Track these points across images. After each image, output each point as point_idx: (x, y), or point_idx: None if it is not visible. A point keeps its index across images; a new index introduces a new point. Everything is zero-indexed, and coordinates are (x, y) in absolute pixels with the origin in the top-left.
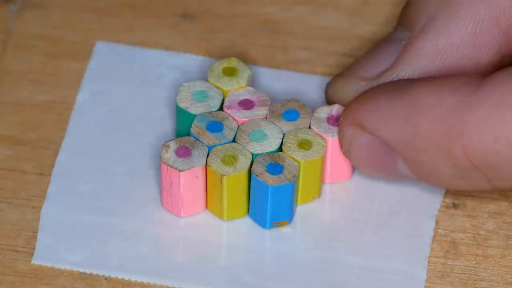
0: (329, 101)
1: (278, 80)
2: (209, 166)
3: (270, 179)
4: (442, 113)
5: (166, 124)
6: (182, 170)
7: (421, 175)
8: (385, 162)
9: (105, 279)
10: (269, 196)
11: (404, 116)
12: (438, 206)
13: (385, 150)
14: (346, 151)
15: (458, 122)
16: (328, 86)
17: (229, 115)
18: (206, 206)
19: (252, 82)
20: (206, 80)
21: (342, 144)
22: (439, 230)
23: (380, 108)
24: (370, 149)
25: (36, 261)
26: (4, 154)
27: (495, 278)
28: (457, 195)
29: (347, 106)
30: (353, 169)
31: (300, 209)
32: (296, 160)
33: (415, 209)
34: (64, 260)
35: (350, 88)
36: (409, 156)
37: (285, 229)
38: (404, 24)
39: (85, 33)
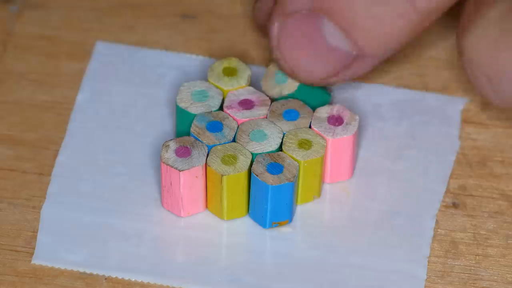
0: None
1: None
2: (209, 166)
3: (270, 179)
4: None
5: (166, 124)
6: (182, 170)
7: (347, 27)
8: (313, 38)
9: (105, 279)
10: (269, 196)
11: None
12: (438, 206)
13: (310, 24)
14: (277, 50)
15: None
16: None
17: (229, 115)
18: (206, 206)
19: (252, 82)
20: (206, 80)
21: (273, 47)
22: (439, 230)
23: None
24: (296, 31)
25: (36, 261)
26: (4, 154)
27: (495, 277)
28: (457, 195)
29: (272, 11)
30: (353, 169)
31: (300, 209)
32: (296, 160)
33: (415, 209)
34: (64, 260)
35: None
36: (331, 6)
37: (285, 229)
38: None
39: (85, 33)
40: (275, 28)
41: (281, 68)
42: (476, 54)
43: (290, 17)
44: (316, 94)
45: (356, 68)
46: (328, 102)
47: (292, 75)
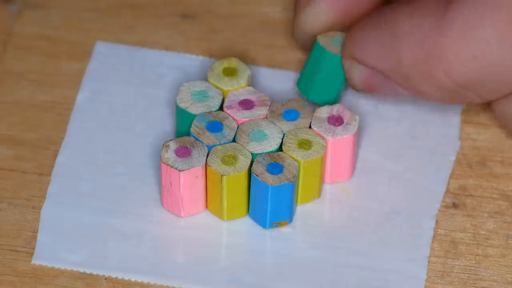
0: (298, 31)
1: (278, 80)
2: (209, 166)
3: (270, 179)
4: (418, 40)
5: (166, 124)
6: (182, 170)
7: (418, 95)
8: (385, 86)
9: (105, 279)
10: (269, 196)
11: (387, 45)
12: (438, 206)
13: (382, 76)
14: (351, 83)
15: (434, 46)
16: (298, 15)
17: (229, 115)
18: (206, 206)
19: (252, 82)
20: (206, 80)
21: (348, 78)
22: (439, 230)
23: (368, 40)
24: (368, 77)
25: (36, 261)
26: (4, 154)
27: (495, 277)
28: (457, 195)
29: (345, 40)
30: (353, 169)
31: (300, 209)
32: (296, 160)
33: (415, 209)
34: (64, 260)
35: (320, 19)
36: (400, 82)
37: (285, 229)
38: None
39: (85, 33)
40: (347, 64)
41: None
42: (506, 106)
43: (361, 64)
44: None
45: None
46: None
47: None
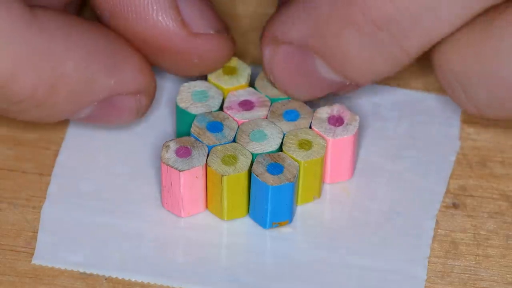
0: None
1: None
2: (209, 166)
3: (270, 179)
4: None
5: (166, 124)
6: (182, 170)
7: (338, 67)
8: (306, 70)
9: (105, 279)
10: (269, 196)
11: (304, 10)
12: (438, 206)
13: (302, 57)
14: (270, 74)
15: None
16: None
17: (229, 115)
18: (206, 206)
19: (252, 81)
20: (206, 80)
21: (265, 70)
22: (439, 230)
23: (287, 14)
24: (289, 61)
25: (36, 261)
26: (4, 154)
27: (495, 278)
28: (457, 195)
29: (263, 31)
30: (353, 169)
31: (300, 209)
32: (296, 160)
33: (415, 209)
34: (64, 260)
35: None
36: (322, 48)
37: (285, 229)
38: None
39: None
40: (266, 51)
41: (274, 86)
42: (449, 62)
43: (281, 45)
44: None
45: (348, 89)
46: None
47: (285, 93)
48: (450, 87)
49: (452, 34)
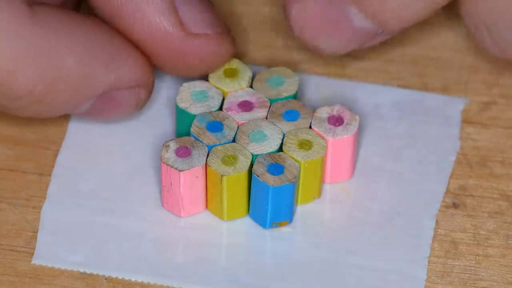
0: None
1: None
2: (209, 166)
3: (271, 180)
4: None
5: (166, 124)
6: (182, 170)
7: (374, 12)
8: (338, 19)
9: (105, 279)
10: (270, 197)
11: None
12: (438, 206)
13: (334, 5)
14: (299, 29)
15: None
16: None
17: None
18: (206, 206)
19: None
20: (207, 80)
21: (293, 26)
22: (439, 230)
23: None
24: (320, 12)
25: (36, 261)
26: (4, 154)
27: (495, 278)
28: (457, 195)
29: None
30: (353, 169)
31: (300, 209)
32: (296, 160)
33: (415, 209)
34: (64, 260)
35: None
36: None
37: (285, 229)
38: None
39: None
40: (293, 10)
41: (303, 46)
42: (475, 3)
43: (309, 2)
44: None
45: (377, 39)
46: None
47: (314, 48)
48: (475, 29)
49: None
